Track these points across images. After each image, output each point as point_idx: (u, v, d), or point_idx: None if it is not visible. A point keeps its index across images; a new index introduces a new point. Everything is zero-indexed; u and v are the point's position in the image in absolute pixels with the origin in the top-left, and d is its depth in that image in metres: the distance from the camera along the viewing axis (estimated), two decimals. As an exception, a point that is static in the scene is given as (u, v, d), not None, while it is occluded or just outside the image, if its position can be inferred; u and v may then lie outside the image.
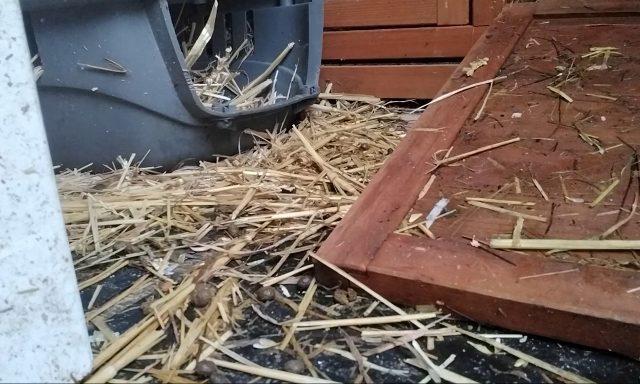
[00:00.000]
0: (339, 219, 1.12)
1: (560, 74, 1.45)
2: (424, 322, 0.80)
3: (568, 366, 0.70)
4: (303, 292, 0.92)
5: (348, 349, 0.76)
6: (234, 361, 0.76)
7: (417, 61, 2.18)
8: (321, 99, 2.26)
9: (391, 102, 2.21)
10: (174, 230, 1.21)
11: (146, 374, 0.74)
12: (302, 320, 0.84)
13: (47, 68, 1.57)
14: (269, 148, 1.77)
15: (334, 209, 1.21)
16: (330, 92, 2.33)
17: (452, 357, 0.73)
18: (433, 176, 1.11)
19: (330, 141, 1.73)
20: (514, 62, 1.58)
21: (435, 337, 0.78)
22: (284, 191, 1.37)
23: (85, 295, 0.97)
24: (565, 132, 1.18)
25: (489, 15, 1.98)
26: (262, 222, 1.20)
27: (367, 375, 0.71)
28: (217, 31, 2.11)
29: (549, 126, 1.22)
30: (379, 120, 2.01)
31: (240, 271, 1.01)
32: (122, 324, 0.88)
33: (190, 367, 0.75)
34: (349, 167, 1.53)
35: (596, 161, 1.06)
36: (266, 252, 1.09)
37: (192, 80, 1.75)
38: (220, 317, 0.87)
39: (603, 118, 1.20)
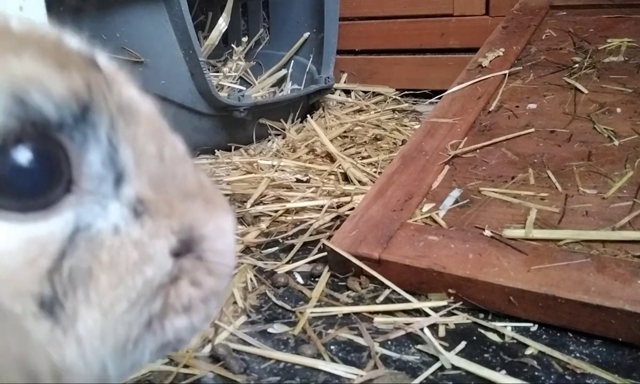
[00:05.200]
0: (353, 208, 1.13)
1: (577, 65, 1.44)
2: (436, 309, 0.81)
3: (578, 355, 0.71)
4: (316, 279, 0.94)
5: (360, 335, 0.78)
6: (249, 344, 0.77)
7: (433, 52, 2.18)
8: (336, 89, 2.27)
9: (406, 93, 2.21)
10: (189, 217, 1.23)
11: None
12: (315, 306, 0.86)
13: (66, 57, 1.59)
14: (283, 138, 1.78)
15: (347, 198, 1.23)
16: (345, 82, 2.33)
17: (462, 344, 0.74)
18: (447, 166, 1.12)
19: (345, 132, 1.73)
20: (530, 53, 1.58)
21: (447, 324, 0.79)
22: (298, 180, 1.39)
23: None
24: (580, 124, 1.18)
25: (505, 6, 1.97)
26: (276, 211, 1.22)
27: (378, 360, 0.72)
28: (233, 21, 2.12)
29: (564, 117, 1.22)
30: (394, 111, 2.02)
31: (254, 258, 1.03)
32: (140, 307, 0.89)
33: (206, 350, 0.77)
34: (363, 158, 1.53)
35: (610, 153, 1.06)
36: (280, 240, 1.10)
37: (208, 69, 1.76)
38: (235, 302, 0.88)
39: (618, 110, 1.20)
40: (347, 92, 2.28)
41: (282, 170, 1.46)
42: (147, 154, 0.34)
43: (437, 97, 1.63)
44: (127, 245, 0.31)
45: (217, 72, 2.19)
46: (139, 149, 0.33)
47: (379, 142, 1.66)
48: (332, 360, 0.73)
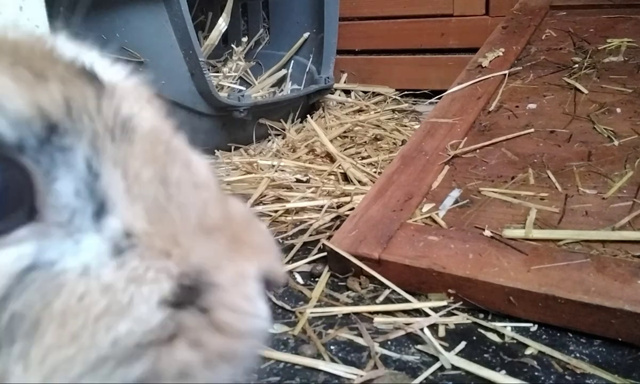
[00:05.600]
0: (353, 208, 1.13)
1: (576, 65, 1.44)
2: (436, 310, 0.81)
3: (578, 355, 0.71)
4: (316, 279, 0.94)
5: (360, 335, 0.78)
6: (249, 344, 0.77)
7: (433, 52, 2.18)
8: (336, 89, 2.27)
9: (406, 93, 2.21)
10: (189, 217, 1.23)
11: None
12: (315, 306, 0.86)
13: (66, 57, 1.59)
14: (283, 138, 1.78)
15: (347, 198, 1.22)
16: (345, 82, 2.33)
17: (462, 344, 0.74)
18: (446, 167, 1.12)
19: (345, 132, 1.73)
20: (530, 53, 1.58)
21: (447, 324, 0.79)
22: (298, 180, 1.39)
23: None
24: (580, 124, 1.18)
25: (505, 6, 1.97)
26: (276, 211, 1.22)
27: (378, 360, 0.72)
28: (233, 21, 2.12)
29: (563, 117, 1.22)
30: (394, 111, 2.01)
31: (254, 258, 1.03)
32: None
33: (206, 350, 0.76)
34: (363, 158, 1.53)
35: (610, 153, 1.06)
36: (280, 241, 1.10)
37: (208, 69, 1.76)
38: (235, 302, 0.88)
39: (618, 110, 1.20)
40: (347, 92, 2.28)
41: (282, 170, 1.46)
42: (143, 179, 0.28)
43: (437, 97, 1.63)
44: (92, 292, 0.25)
45: (217, 72, 2.19)
46: (133, 173, 0.28)
47: (379, 142, 1.66)
48: (332, 360, 0.73)
